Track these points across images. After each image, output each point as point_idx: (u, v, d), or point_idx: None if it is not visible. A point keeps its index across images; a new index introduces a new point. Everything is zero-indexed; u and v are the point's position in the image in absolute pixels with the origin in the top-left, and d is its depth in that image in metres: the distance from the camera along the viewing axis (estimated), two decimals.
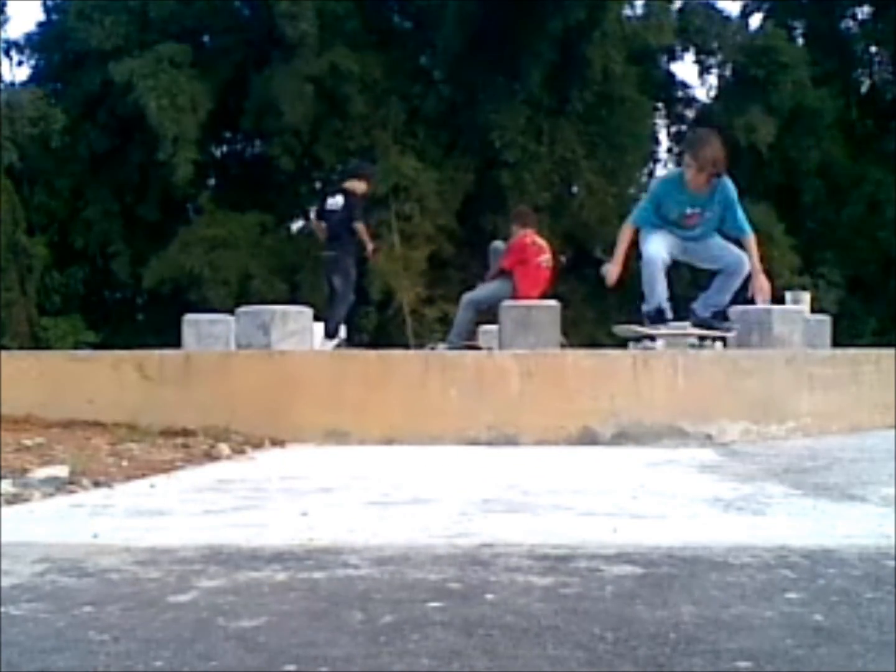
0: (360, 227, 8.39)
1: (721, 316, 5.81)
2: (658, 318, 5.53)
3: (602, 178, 19.67)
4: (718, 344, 5.80)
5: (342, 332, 8.41)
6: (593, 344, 11.86)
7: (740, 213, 5.56)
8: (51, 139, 19.25)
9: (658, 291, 5.47)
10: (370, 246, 8.65)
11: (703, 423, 4.83)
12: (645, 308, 5.62)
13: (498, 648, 1.34)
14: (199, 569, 1.92)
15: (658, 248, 5.44)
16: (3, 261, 18.75)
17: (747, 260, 5.49)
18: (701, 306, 5.72)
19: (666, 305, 5.52)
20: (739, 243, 5.62)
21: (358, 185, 8.61)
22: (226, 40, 20.73)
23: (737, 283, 5.62)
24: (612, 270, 5.60)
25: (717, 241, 5.66)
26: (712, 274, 5.81)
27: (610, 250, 6.01)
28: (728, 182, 5.48)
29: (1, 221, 18.51)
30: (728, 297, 5.72)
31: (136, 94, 18.49)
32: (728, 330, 5.74)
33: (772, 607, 1.60)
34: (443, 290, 18.68)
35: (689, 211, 5.46)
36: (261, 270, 19.51)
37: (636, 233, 5.65)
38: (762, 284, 5.49)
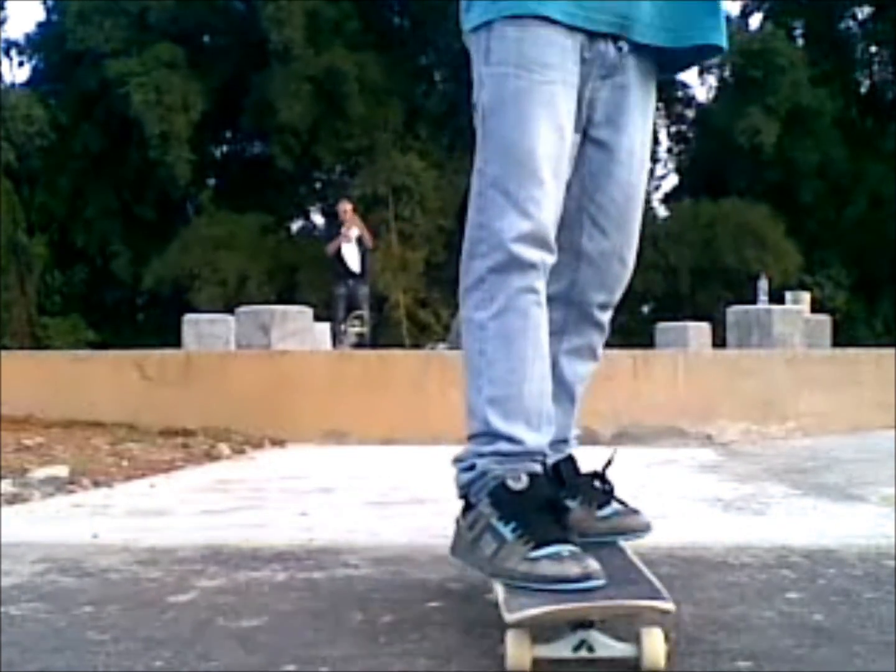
0: (330, 245, 10.25)
1: None
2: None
3: None
4: None
5: (350, 331, 9.50)
6: None
7: None
8: (47, 138, 19.26)
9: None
10: (335, 243, 10.16)
11: (703, 423, 4.83)
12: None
13: (498, 648, 1.34)
14: (199, 569, 1.91)
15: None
16: (3, 261, 18.75)
17: None
18: None
19: None
20: None
21: (342, 208, 10.53)
22: (225, 41, 20.75)
23: None
24: None
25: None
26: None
27: None
28: None
29: (1, 221, 18.51)
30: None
31: (124, 90, 18.54)
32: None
33: (772, 607, 1.60)
34: (439, 292, 18.66)
35: None
36: (260, 270, 19.51)
37: None
38: None
